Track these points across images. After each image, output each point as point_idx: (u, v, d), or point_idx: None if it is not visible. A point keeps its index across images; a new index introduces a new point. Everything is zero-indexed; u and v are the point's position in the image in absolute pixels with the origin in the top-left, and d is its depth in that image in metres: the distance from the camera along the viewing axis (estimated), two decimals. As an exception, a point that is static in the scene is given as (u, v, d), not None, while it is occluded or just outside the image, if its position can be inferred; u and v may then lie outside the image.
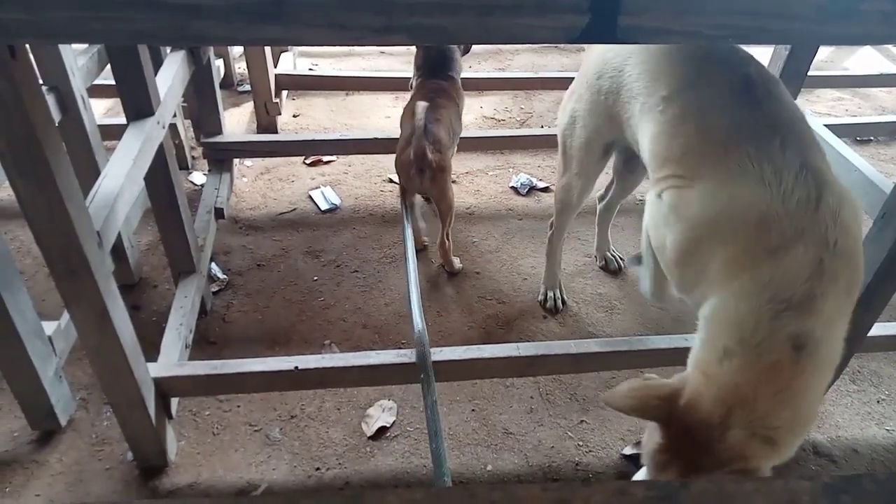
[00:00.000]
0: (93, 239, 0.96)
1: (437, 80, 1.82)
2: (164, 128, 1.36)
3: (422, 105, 1.63)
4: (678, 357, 1.02)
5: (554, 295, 1.74)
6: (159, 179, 1.40)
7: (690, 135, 1.03)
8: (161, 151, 1.35)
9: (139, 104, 1.29)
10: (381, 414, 1.43)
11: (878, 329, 1.35)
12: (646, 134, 1.13)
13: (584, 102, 1.37)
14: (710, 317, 0.94)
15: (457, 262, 1.87)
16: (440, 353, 1.30)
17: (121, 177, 1.14)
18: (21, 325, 1.17)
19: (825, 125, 1.53)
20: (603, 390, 1.52)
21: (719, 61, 1.08)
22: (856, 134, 2.51)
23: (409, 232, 1.61)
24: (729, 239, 0.94)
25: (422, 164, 1.63)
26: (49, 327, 1.29)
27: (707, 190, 0.98)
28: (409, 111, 1.72)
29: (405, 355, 1.29)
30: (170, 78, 1.50)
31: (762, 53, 1.71)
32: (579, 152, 1.44)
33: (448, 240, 1.81)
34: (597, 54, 1.31)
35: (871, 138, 2.56)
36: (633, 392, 0.91)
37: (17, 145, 0.79)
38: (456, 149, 1.87)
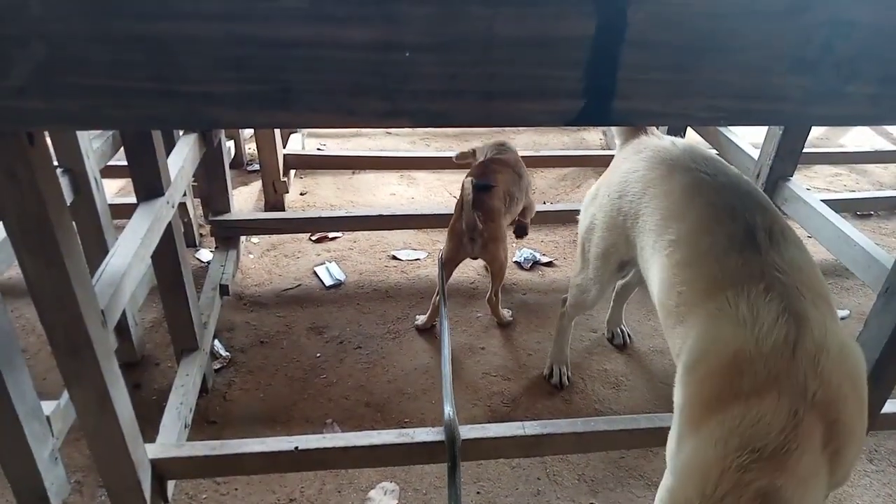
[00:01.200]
0: (97, 318, 0.96)
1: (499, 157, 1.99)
2: (173, 207, 1.39)
3: (468, 181, 1.72)
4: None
5: (560, 370, 1.72)
6: (166, 258, 1.42)
7: (687, 282, 1.01)
8: (169, 230, 1.37)
9: (150, 185, 1.33)
10: (382, 497, 1.39)
11: (891, 406, 1.32)
12: (654, 277, 1.11)
13: (603, 213, 1.33)
14: (680, 465, 0.87)
15: (506, 315, 1.95)
16: (440, 433, 1.27)
17: (128, 256, 1.15)
18: (20, 406, 1.15)
19: (822, 200, 1.55)
20: (612, 471, 1.48)
21: (729, 207, 1.05)
22: (855, 209, 2.54)
23: (444, 310, 1.63)
24: (705, 381, 0.89)
25: (472, 234, 1.72)
26: (48, 407, 1.27)
27: (693, 338, 0.95)
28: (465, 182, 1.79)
29: (407, 435, 1.26)
30: (181, 159, 1.54)
31: (758, 132, 1.76)
32: (596, 261, 1.40)
33: (496, 297, 1.90)
34: (623, 169, 1.28)
35: (872, 213, 2.58)
36: None
37: (29, 226, 0.81)
38: (519, 217, 2.02)
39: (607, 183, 1.33)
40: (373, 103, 0.66)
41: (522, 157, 2.53)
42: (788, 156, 1.54)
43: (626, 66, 0.66)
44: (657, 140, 1.28)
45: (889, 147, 3.08)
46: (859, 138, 3.39)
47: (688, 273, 1.02)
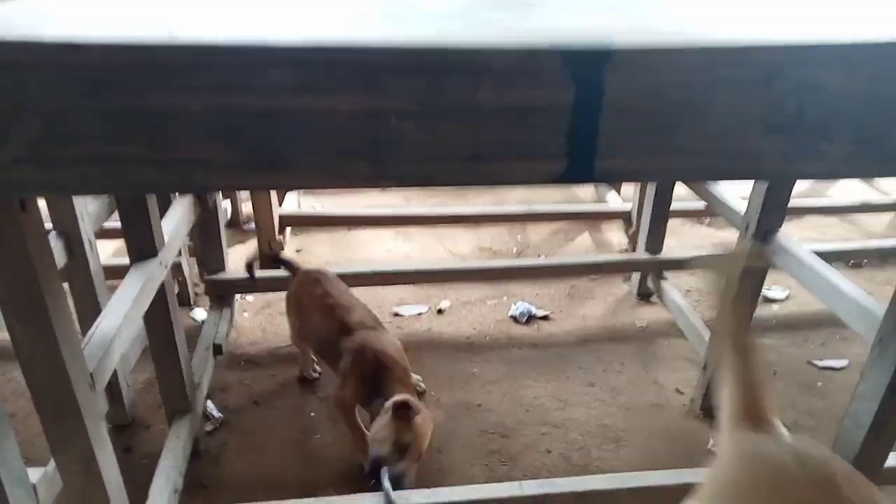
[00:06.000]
0: (85, 381, 0.95)
1: None
2: (166, 268, 1.40)
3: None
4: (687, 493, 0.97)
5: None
6: (158, 318, 1.41)
7: None
8: (162, 291, 1.37)
9: (143, 246, 1.34)
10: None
11: (893, 460, 1.30)
12: None
13: None
14: None
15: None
16: (436, 495, 1.24)
17: (119, 317, 1.15)
18: (4, 473, 1.12)
19: (814, 251, 1.56)
20: (614, 532, 1.44)
21: None
22: (847, 258, 2.56)
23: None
24: None
25: None
26: (35, 474, 1.24)
27: None
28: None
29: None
30: (175, 221, 1.56)
31: (744, 185, 1.78)
32: None
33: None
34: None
35: (864, 262, 2.60)
36: None
37: (18, 291, 0.81)
38: None
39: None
40: (361, 166, 0.67)
41: (515, 215, 2.57)
42: (775, 209, 1.56)
43: (605, 131, 0.68)
44: (775, 449, 0.94)
45: (877, 197, 3.12)
46: (848, 189, 3.44)
47: None
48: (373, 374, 1.57)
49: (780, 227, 1.61)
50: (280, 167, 0.66)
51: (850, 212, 2.92)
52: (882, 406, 1.16)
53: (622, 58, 0.64)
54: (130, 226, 1.33)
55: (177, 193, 1.77)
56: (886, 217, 3.02)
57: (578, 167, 0.71)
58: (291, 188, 0.71)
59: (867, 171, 0.80)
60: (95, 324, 1.11)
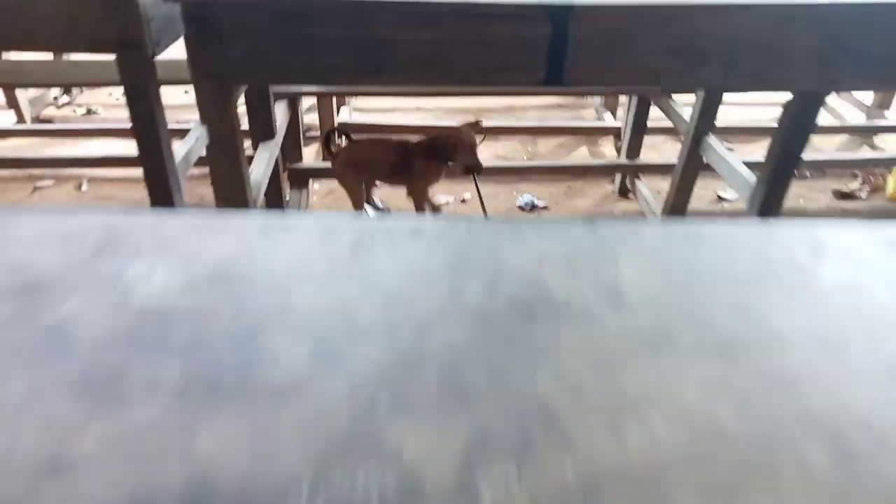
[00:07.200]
0: (250, 197, 1.66)
1: None
2: (277, 146, 2.09)
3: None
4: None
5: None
6: (272, 179, 2.12)
7: None
8: (275, 162, 2.07)
9: (267, 131, 2.03)
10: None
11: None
12: None
13: None
14: None
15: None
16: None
17: (261, 170, 1.85)
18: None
19: (744, 161, 2.17)
20: None
21: None
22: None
23: None
24: None
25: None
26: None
27: None
28: None
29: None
30: (280, 116, 2.24)
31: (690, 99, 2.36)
32: None
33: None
34: None
35: (808, 174, 3.18)
36: None
37: (224, 138, 1.50)
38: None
39: None
40: (425, 73, 1.33)
41: (531, 127, 3.20)
42: (706, 119, 2.18)
43: (569, 54, 1.31)
44: None
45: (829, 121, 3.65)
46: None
47: None
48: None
49: (711, 132, 2.23)
50: (381, 72, 1.32)
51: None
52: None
53: (580, 10, 1.27)
54: (256, 117, 2.02)
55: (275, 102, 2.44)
56: (838, 138, 3.57)
57: (554, 76, 1.35)
58: (386, 85, 1.23)
59: (729, 87, 1.42)
60: (250, 168, 1.81)
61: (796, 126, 1.65)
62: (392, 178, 2.51)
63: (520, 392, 0.40)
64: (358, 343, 0.44)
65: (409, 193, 2.47)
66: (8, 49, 2.15)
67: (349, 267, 0.51)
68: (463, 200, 2.97)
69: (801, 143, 1.68)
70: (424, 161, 2.34)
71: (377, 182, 2.64)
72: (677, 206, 2.37)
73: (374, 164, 2.48)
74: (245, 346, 0.43)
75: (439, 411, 0.39)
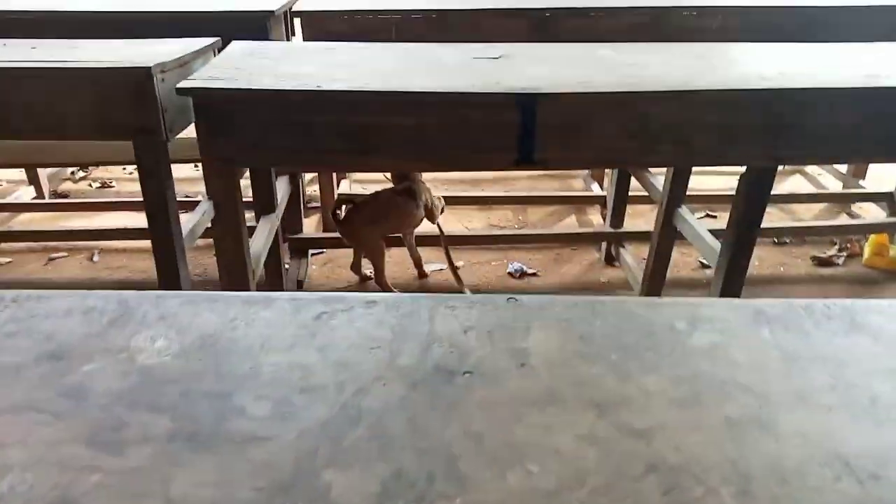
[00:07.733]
0: (249, 269, 1.80)
1: None
2: (277, 219, 2.24)
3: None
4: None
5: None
6: (272, 251, 2.26)
7: None
8: (275, 233, 2.22)
9: (267, 205, 2.18)
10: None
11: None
12: None
13: None
14: None
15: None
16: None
17: (261, 243, 1.99)
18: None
19: (708, 229, 2.31)
20: None
21: None
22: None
23: None
24: None
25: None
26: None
27: None
28: None
29: None
30: (281, 190, 2.41)
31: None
32: None
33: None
34: None
35: (787, 240, 3.31)
36: None
37: (227, 216, 1.65)
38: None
39: None
40: (410, 154, 1.48)
41: (521, 196, 3.37)
42: (677, 191, 2.33)
43: (538, 136, 1.44)
44: None
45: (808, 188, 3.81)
46: (791, 182, 4.13)
47: None
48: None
49: (682, 201, 2.37)
50: (370, 155, 1.48)
51: (781, 201, 3.61)
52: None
53: (543, 97, 1.42)
54: (259, 191, 2.18)
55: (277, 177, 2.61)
56: (818, 207, 3.72)
57: (525, 158, 1.50)
58: (375, 169, 1.38)
59: (685, 163, 1.56)
60: (251, 239, 1.95)
61: (752, 196, 1.78)
62: (408, 221, 2.77)
63: (432, 441, 0.51)
64: (310, 401, 0.55)
65: (405, 238, 2.78)
66: (39, 138, 2.33)
67: (311, 335, 0.64)
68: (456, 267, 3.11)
69: (759, 211, 1.82)
70: (415, 203, 2.68)
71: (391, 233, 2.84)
72: (656, 273, 2.48)
73: (394, 216, 2.73)
74: (220, 403, 0.55)
75: (366, 458, 0.50)
